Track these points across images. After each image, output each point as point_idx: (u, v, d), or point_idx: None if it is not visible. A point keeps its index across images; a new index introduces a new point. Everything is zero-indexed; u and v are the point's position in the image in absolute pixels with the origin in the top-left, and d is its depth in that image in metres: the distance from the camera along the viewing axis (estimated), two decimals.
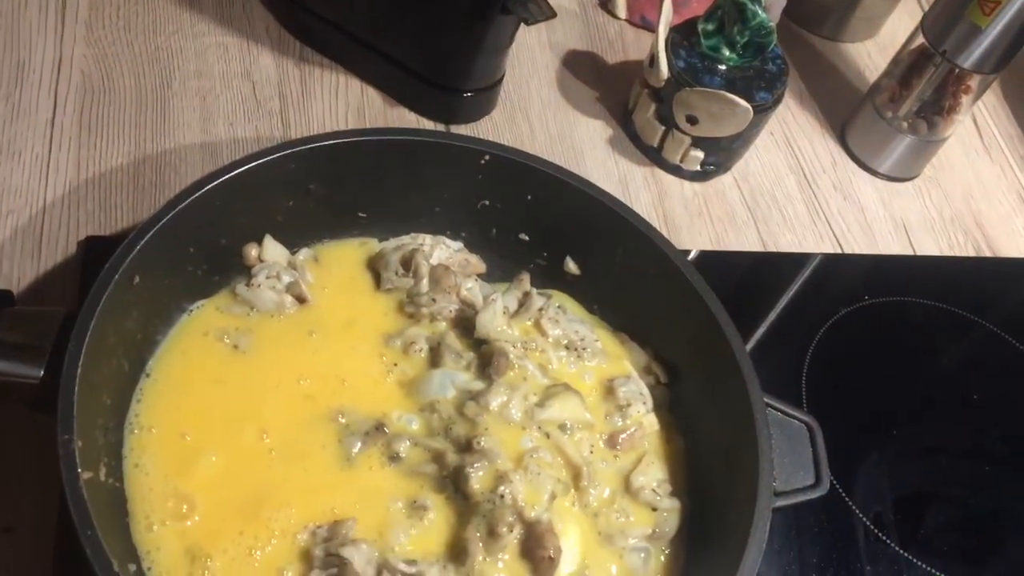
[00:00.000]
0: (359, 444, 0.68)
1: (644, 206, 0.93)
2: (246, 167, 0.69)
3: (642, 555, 0.68)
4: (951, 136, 1.01)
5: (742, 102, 0.88)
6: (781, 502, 0.65)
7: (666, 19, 0.91)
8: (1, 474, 0.64)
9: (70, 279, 0.73)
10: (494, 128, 0.95)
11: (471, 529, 0.64)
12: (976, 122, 1.12)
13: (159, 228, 0.65)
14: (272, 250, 0.75)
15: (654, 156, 0.97)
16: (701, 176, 0.97)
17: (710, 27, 0.91)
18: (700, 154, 0.94)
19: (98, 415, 0.61)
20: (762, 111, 0.91)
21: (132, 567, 0.58)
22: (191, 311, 0.71)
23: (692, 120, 0.91)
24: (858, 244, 0.97)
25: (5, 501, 0.63)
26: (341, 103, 0.91)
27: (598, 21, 1.07)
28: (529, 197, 0.78)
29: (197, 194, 0.67)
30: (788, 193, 0.99)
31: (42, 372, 0.58)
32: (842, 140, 1.05)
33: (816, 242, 0.96)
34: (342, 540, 0.63)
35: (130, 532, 0.61)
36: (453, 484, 0.67)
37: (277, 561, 0.62)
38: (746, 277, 0.92)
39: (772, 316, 0.89)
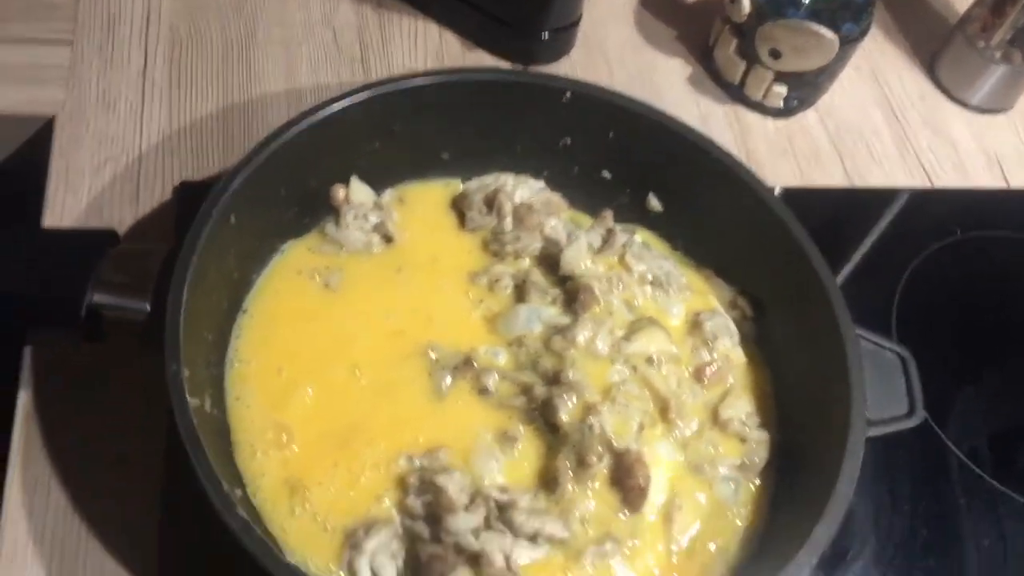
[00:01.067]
0: (449, 378, 0.69)
1: (726, 144, 0.90)
2: (331, 109, 0.70)
3: (732, 485, 0.68)
4: None
5: (828, 33, 0.86)
6: (874, 431, 0.64)
7: None
8: (113, 407, 0.67)
9: (167, 222, 0.75)
10: (572, 68, 0.94)
11: (561, 459, 0.65)
12: None
13: (251, 168, 0.66)
14: (359, 191, 0.76)
15: (736, 93, 0.95)
16: (784, 112, 0.95)
17: None
18: (783, 89, 0.93)
19: (201, 349, 0.63)
20: (848, 42, 0.88)
21: (238, 492, 0.61)
22: (283, 251, 0.73)
23: (775, 54, 0.90)
24: (949, 178, 0.94)
25: (117, 432, 0.66)
26: (420, 48, 0.92)
27: None
28: (611, 134, 0.78)
29: (285, 135, 0.68)
30: (875, 128, 0.97)
31: (148, 306, 0.61)
32: (931, 72, 1.02)
33: (905, 177, 0.94)
34: (436, 468, 0.64)
35: (234, 460, 0.63)
36: (542, 416, 0.67)
37: (374, 489, 0.64)
38: (833, 214, 0.91)
39: (861, 252, 0.87)
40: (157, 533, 0.63)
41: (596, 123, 0.77)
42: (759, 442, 0.69)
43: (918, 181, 0.94)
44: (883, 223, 0.90)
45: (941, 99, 1.00)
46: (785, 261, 0.73)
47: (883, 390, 0.67)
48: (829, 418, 0.66)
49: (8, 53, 0.82)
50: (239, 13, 0.90)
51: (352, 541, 0.61)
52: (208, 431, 0.59)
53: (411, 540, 0.62)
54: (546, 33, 0.91)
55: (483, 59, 0.92)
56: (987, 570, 0.72)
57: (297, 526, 0.62)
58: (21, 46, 0.82)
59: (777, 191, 0.90)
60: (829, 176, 0.93)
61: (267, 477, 0.63)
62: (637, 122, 0.77)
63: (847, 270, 0.86)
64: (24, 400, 0.66)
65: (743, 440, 0.69)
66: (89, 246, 0.63)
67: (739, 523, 0.67)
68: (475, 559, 0.61)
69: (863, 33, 0.90)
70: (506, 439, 0.67)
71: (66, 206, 0.75)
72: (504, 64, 0.92)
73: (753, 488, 0.68)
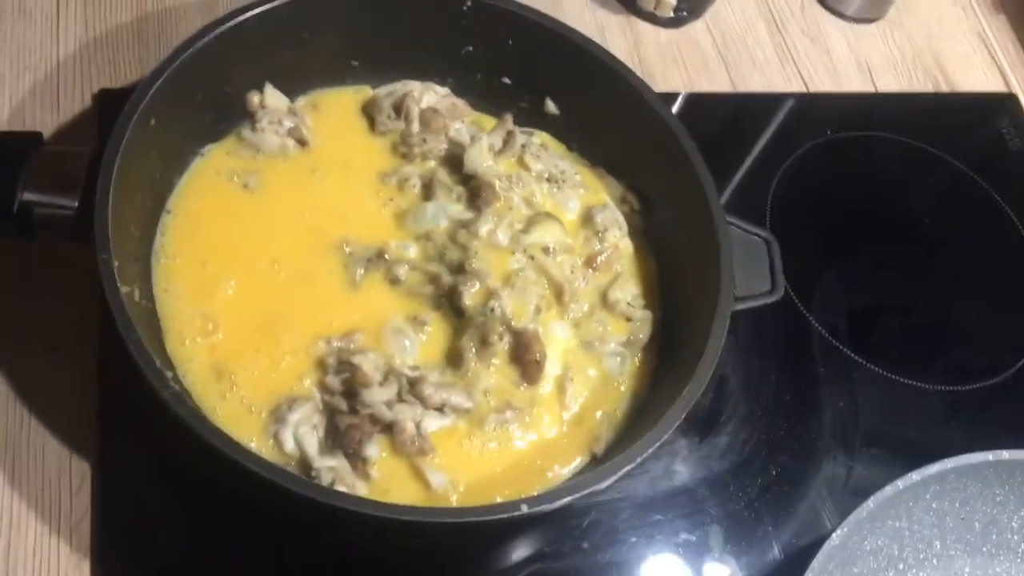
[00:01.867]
0: (362, 269, 0.75)
1: (620, 53, 0.97)
2: (240, 18, 0.75)
3: (618, 359, 0.76)
4: None
5: None
6: (740, 306, 0.73)
7: None
8: (45, 300, 0.71)
9: (88, 127, 0.79)
10: None
11: (465, 339, 0.73)
12: None
13: (168, 74, 0.70)
14: (273, 97, 0.80)
15: (630, 4, 1.01)
16: (675, 22, 1.02)
17: None
18: (673, 1, 0.99)
19: (128, 244, 0.68)
20: None
21: (169, 374, 0.66)
22: (203, 154, 0.77)
23: None
24: (824, 84, 1.03)
25: (50, 324, 0.71)
26: None
27: None
28: (510, 42, 0.83)
29: (198, 43, 0.73)
30: (758, 38, 1.04)
31: (77, 203, 0.65)
32: None
33: (784, 83, 1.02)
34: (352, 350, 0.71)
35: (164, 347, 0.69)
36: (448, 302, 0.74)
37: (295, 370, 0.70)
38: (716, 117, 0.98)
39: (741, 151, 0.95)
40: (95, 413, 0.69)
41: (497, 32, 0.83)
42: (643, 320, 0.77)
43: (795, 86, 1.02)
44: (762, 125, 0.98)
45: (819, 10, 1.08)
46: (668, 159, 0.80)
47: (750, 271, 0.76)
48: (704, 296, 0.74)
49: None
50: None
51: (276, 416, 0.68)
52: (138, 319, 0.64)
53: (330, 413, 0.69)
54: None
55: None
56: (841, 426, 0.82)
57: (225, 408, 0.67)
58: None
59: (680, 101, 0.97)
60: (715, 83, 1.00)
61: (195, 363, 0.69)
62: (535, 31, 0.82)
63: (728, 167, 0.94)
64: None
65: (629, 319, 0.77)
66: (17, 147, 0.66)
67: (624, 392, 0.75)
68: (389, 428, 0.68)
69: None
70: (416, 323, 0.74)
71: None
72: None
73: (637, 361, 0.76)
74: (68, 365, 0.70)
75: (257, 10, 0.75)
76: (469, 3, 0.81)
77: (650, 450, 0.66)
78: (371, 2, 0.80)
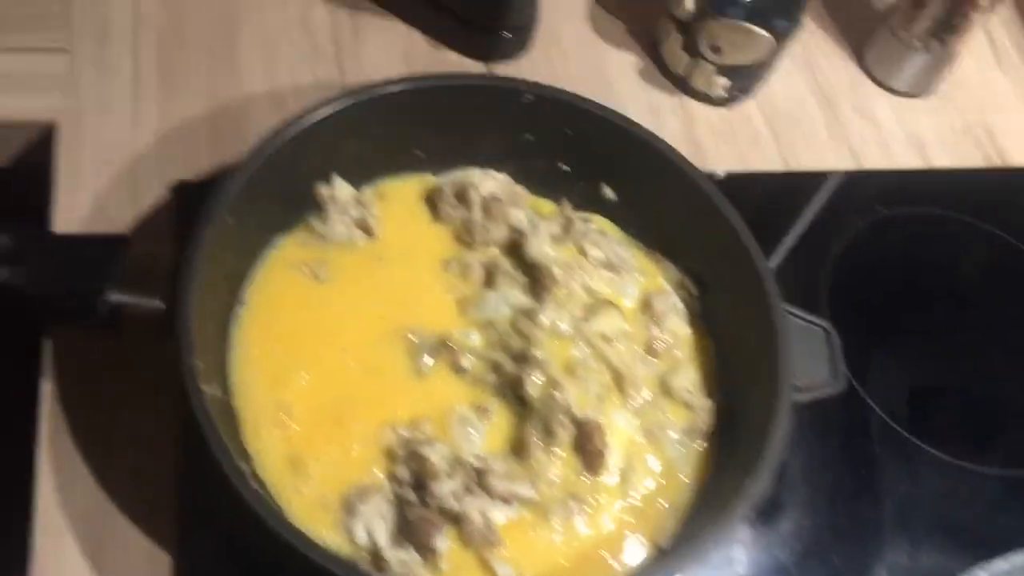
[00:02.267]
0: (428, 358, 0.77)
1: (673, 132, 1.00)
2: (316, 116, 0.77)
3: (680, 448, 0.77)
4: (964, 52, 1.06)
5: (764, 33, 0.94)
6: (801, 397, 0.74)
7: None
8: (128, 392, 0.74)
9: (167, 220, 0.82)
10: (531, 64, 1.01)
11: (529, 429, 0.74)
12: (991, 36, 1.17)
13: (246, 174, 0.73)
14: (341, 188, 0.83)
15: (682, 85, 1.04)
16: (726, 102, 1.04)
17: None
18: (725, 81, 1.01)
19: (207, 339, 0.70)
20: (783, 38, 0.97)
21: (246, 467, 0.69)
22: (275, 245, 0.80)
23: (716, 50, 0.98)
24: (875, 159, 1.04)
25: (133, 416, 0.73)
26: (390, 47, 0.98)
27: None
28: (568, 131, 0.85)
29: (275, 143, 0.75)
30: (809, 114, 1.06)
31: (160, 304, 0.68)
32: (860, 61, 1.11)
33: (835, 159, 1.03)
34: (420, 440, 0.73)
35: (240, 438, 0.71)
36: (512, 391, 0.76)
37: (365, 460, 0.72)
38: (769, 195, 1.00)
39: (794, 231, 0.97)
40: (176, 505, 0.71)
41: (554, 121, 0.85)
42: (704, 408, 0.79)
43: (846, 163, 1.03)
44: (814, 203, 0.99)
45: (869, 85, 1.09)
46: (723, 244, 0.81)
47: (810, 361, 0.77)
48: (763, 386, 0.75)
49: (7, 62, 0.87)
50: (221, 18, 0.95)
51: (347, 507, 0.70)
52: (218, 414, 0.67)
53: (400, 504, 0.70)
54: (507, 32, 0.99)
55: (448, 57, 0.99)
56: (903, 512, 0.82)
57: (300, 501, 0.69)
58: (19, 55, 0.88)
59: (719, 175, 0.98)
60: (767, 160, 1.01)
61: (271, 454, 0.71)
62: (590, 120, 0.84)
63: (782, 249, 0.95)
64: (47, 389, 0.74)
65: (689, 407, 0.79)
66: (105, 249, 0.70)
67: (687, 481, 0.76)
68: (457, 519, 0.70)
69: (796, 27, 0.98)
70: (480, 411, 0.76)
71: (72, 208, 0.82)
72: (468, 61, 0.99)
73: (699, 450, 0.77)
74: (150, 456, 0.73)
75: (331, 108, 0.78)
76: (529, 96, 0.84)
77: (715, 545, 0.67)
78: (438, 98, 0.83)
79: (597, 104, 0.85)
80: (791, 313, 0.78)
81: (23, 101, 0.86)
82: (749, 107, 1.05)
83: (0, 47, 0.88)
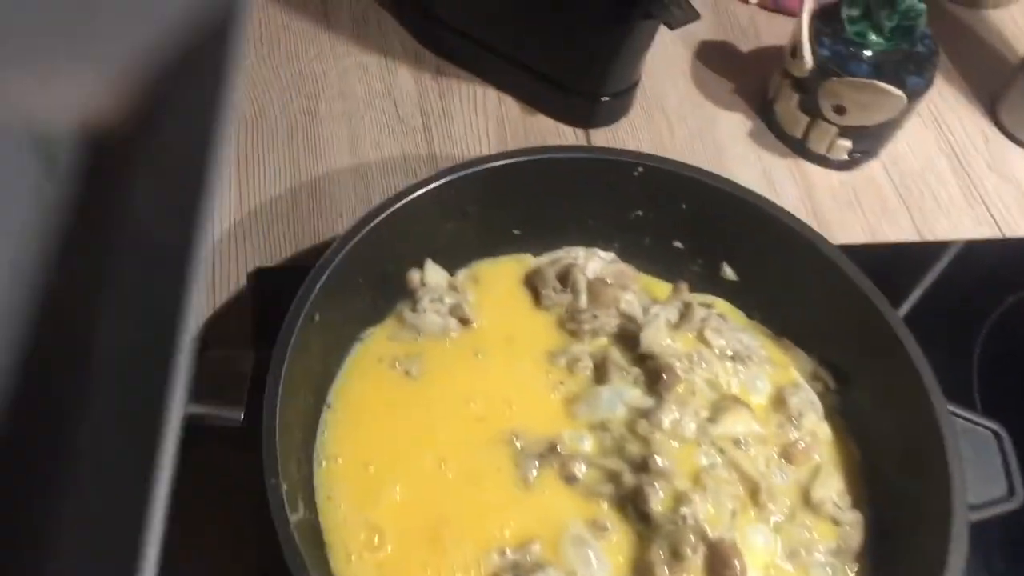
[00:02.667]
0: (535, 466, 0.68)
1: (791, 200, 0.91)
2: (408, 198, 0.70)
3: (829, 571, 0.67)
4: None
5: (896, 90, 0.85)
6: (974, 516, 0.63)
7: (809, 6, 0.88)
8: (203, 516, 0.66)
9: (244, 311, 0.75)
10: (632, 129, 0.94)
11: (654, 551, 0.65)
12: None
13: (335, 265, 0.66)
14: (433, 273, 0.76)
15: (798, 147, 0.95)
16: (848, 165, 0.94)
17: (855, 12, 0.88)
18: (848, 143, 0.92)
19: (292, 452, 0.63)
20: (915, 96, 0.87)
21: None
22: (363, 339, 0.72)
23: (840, 110, 0.89)
24: (1019, 226, 0.93)
25: (211, 536, 0.66)
26: (480, 115, 0.91)
27: (729, 8, 1.04)
28: (683, 205, 0.77)
29: (366, 229, 0.68)
30: (940, 176, 0.96)
31: (242, 416, 0.61)
32: (993, 115, 1.01)
33: (974, 226, 0.93)
34: (529, 566, 0.64)
35: (329, 564, 0.63)
36: (632, 504, 0.67)
37: None
38: (901, 268, 0.89)
39: (933, 310, 0.86)
40: None
41: (667, 195, 0.77)
42: (853, 523, 0.68)
43: (987, 230, 0.93)
44: (956, 279, 0.89)
45: (1005, 142, 0.99)
46: (864, 329, 0.72)
47: (979, 470, 0.66)
48: (925, 499, 0.65)
49: None
50: (300, 89, 0.90)
51: None
52: (303, 538, 0.59)
53: None
54: (607, 97, 0.91)
55: (543, 123, 0.92)
56: None
57: None
58: None
59: (861, 252, 0.88)
60: (897, 228, 0.92)
61: None
62: (708, 193, 0.76)
63: (921, 329, 0.84)
64: None
65: (836, 522, 0.68)
66: None
67: None
68: None
69: (928, 85, 0.89)
70: (596, 528, 0.67)
71: None
72: (565, 128, 0.92)
73: (851, 574, 0.67)
74: None
75: (423, 189, 0.70)
76: (640, 169, 0.75)
77: None
78: (538, 171, 0.75)
79: (713, 175, 0.76)
80: (953, 413, 0.67)
81: None
82: (874, 170, 0.95)
83: None
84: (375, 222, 0.68)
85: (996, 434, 0.67)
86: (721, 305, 0.78)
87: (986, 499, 0.65)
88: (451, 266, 0.77)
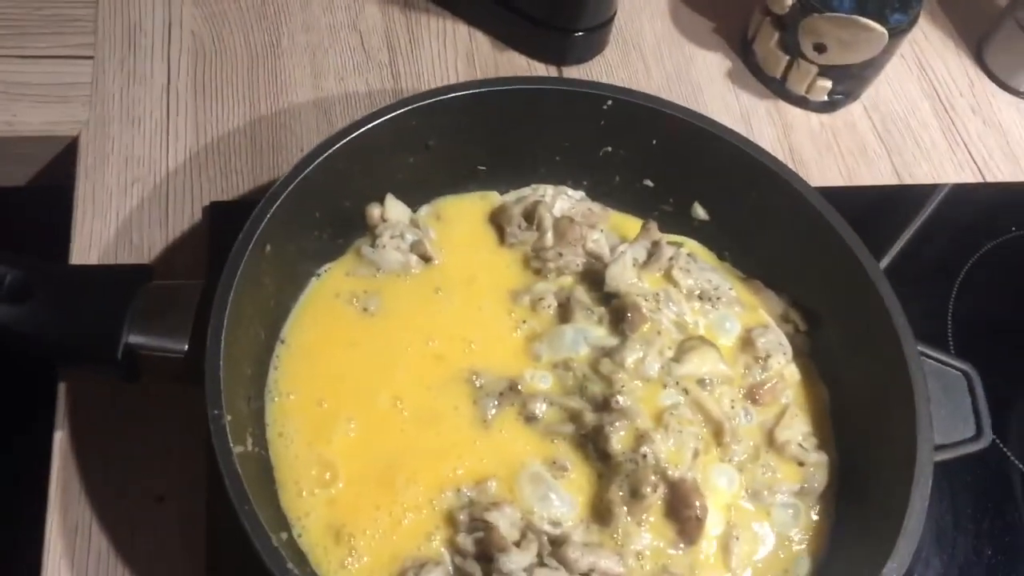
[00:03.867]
0: (494, 405, 0.67)
1: (769, 141, 0.89)
2: (367, 127, 0.68)
3: (790, 512, 0.66)
4: None
5: (877, 26, 0.82)
6: (940, 456, 0.62)
7: None
8: (151, 446, 0.65)
9: (198, 246, 0.73)
10: (607, 67, 0.91)
11: (614, 490, 0.63)
12: None
13: (286, 196, 0.64)
14: (394, 209, 0.73)
15: (777, 88, 0.92)
16: (828, 106, 0.92)
17: None
18: (828, 83, 0.89)
19: (240, 385, 0.61)
20: (897, 34, 0.85)
21: (284, 535, 0.59)
22: (320, 275, 0.70)
23: (820, 48, 0.86)
24: (1001, 171, 0.91)
25: (156, 472, 0.64)
26: (450, 50, 0.88)
27: None
28: (654, 141, 0.75)
29: (320, 159, 0.66)
30: (923, 120, 0.93)
31: (186, 346, 0.59)
32: (979, 58, 0.98)
33: (955, 171, 0.90)
34: (485, 503, 0.62)
35: (279, 499, 0.61)
36: (592, 444, 0.65)
37: (423, 527, 0.62)
38: (881, 213, 0.87)
39: (911, 254, 0.84)
40: (204, 570, 0.61)
41: (638, 131, 0.74)
42: (818, 465, 0.67)
43: (969, 175, 0.91)
44: (934, 222, 0.86)
45: (990, 86, 0.97)
46: (838, 272, 0.70)
47: (948, 410, 0.65)
48: (891, 440, 0.63)
49: (27, 70, 0.79)
50: (262, 20, 0.86)
51: None
52: (251, 473, 0.57)
53: None
54: (580, 32, 0.88)
55: (515, 60, 0.89)
56: None
57: None
58: (40, 63, 0.79)
59: (837, 195, 0.86)
60: (877, 172, 0.89)
61: (312, 518, 0.61)
62: (681, 129, 0.73)
63: (898, 276, 0.82)
64: (59, 439, 0.65)
65: (801, 463, 0.67)
66: (124, 284, 0.60)
67: (799, 551, 0.64)
68: None
69: (912, 23, 0.86)
70: (556, 468, 0.65)
71: (94, 232, 0.73)
72: (537, 65, 0.89)
73: (814, 515, 0.66)
74: (174, 517, 0.63)
75: (384, 118, 0.68)
76: (610, 102, 0.73)
77: None
78: (503, 103, 0.72)
79: (685, 109, 0.74)
80: (923, 353, 0.65)
81: (42, 114, 0.77)
82: (854, 113, 0.92)
83: (18, 53, 0.80)
84: (330, 151, 0.66)
85: (966, 375, 0.66)
86: (691, 245, 0.76)
87: (954, 439, 0.63)
88: (413, 202, 0.74)
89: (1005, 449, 0.74)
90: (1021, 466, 0.73)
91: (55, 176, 0.78)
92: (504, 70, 0.87)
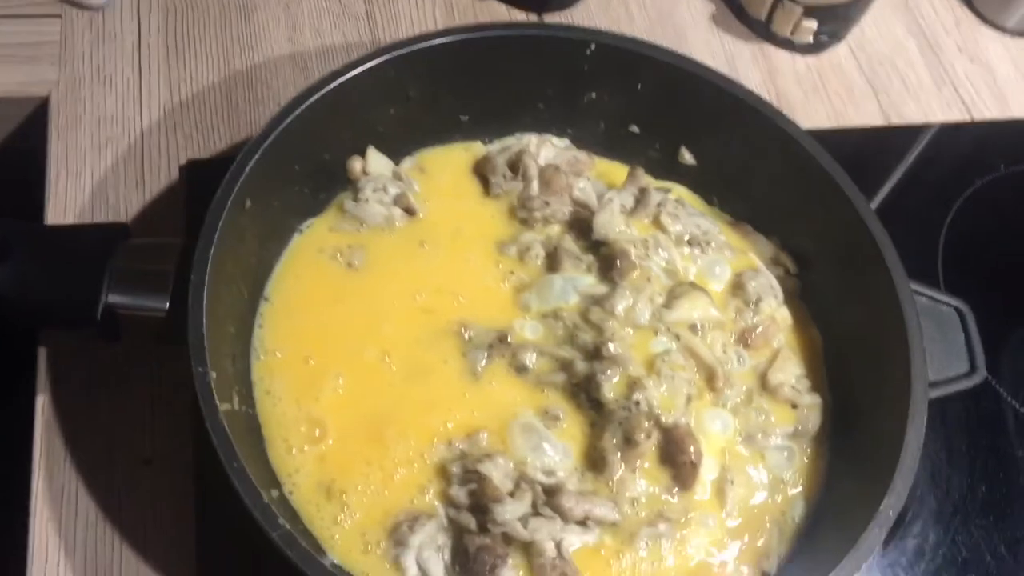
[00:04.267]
0: (484, 357, 0.66)
1: (755, 85, 0.87)
2: (344, 77, 0.66)
3: (785, 454, 0.65)
4: None
5: None
6: (935, 393, 0.61)
7: None
8: (136, 409, 0.64)
9: (176, 205, 0.72)
10: (588, 14, 0.89)
11: (607, 438, 0.63)
12: None
13: (264, 149, 0.62)
14: (376, 162, 0.72)
15: (762, 30, 0.90)
16: (814, 48, 0.90)
17: None
18: (813, 24, 0.88)
19: (225, 344, 0.60)
20: None
21: (274, 492, 0.58)
22: (302, 231, 0.69)
23: None
24: (989, 109, 0.90)
25: (141, 434, 0.63)
26: (427, 0, 0.86)
27: None
28: (639, 86, 0.73)
29: (298, 111, 0.64)
30: (909, 59, 0.92)
31: (167, 304, 0.57)
32: None
33: (943, 110, 0.89)
34: (478, 454, 0.62)
35: (268, 457, 0.61)
36: (584, 392, 0.65)
37: (415, 481, 0.61)
38: (869, 154, 0.86)
39: (900, 193, 0.83)
40: (194, 537, 0.61)
41: (622, 76, 0.73)
42: (811, 406, 0.66)
43: (956, 113, 0.90)
44: (922, 161, 0.86)
45: (977, 24, 0.95)
46: (828, 213, 0.69)
47: (942, 347, 0.65)
48: (885, 380, 0.63)
49: None
50: None
51: (396, 536, 0.59)
52: (239, 431, 0.56)
53: (457, 532, 0.60)
54: None
55: (495, 8, 0.87)
56: None
57: (339, 533, 0.59)
58: (6, 22, 0.77)
59: (825, 137, 0.85)
60: (864, 113, 0.88)
61: (302, 474, 0.60)
62: (666, 72, 0.72)
63: (888, 217, 0.81)
64: (42, 404, 0.64)
65: (795, 406, 0.66)
66: (101, 243, 0.59)
67: (794, 494, 0.64)
68: (525, 548, 0.59)
69: None
70: (548, 418, 0.64)
71: (69, 193, 0.71)
72: (517, 13, 0.87)
73: (808, 456, 0.65)
74: (162, 479, 0.62)
75: (360, 68, 0.66)
76: (592, 47, 0.71)
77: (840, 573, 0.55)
78: (486, 53, 0.70)
79: (670, 52, 0.72)
80: (916, 291, 0.65)
81: (10, 74, 0.75)
82: (840, 54, 0.91)
83: None
84: (307, 103, 0.64)
85: (959, 312, 0.65)
86: (679, 190, 0.75)
87: (947, 375, 0.62)
88: (395, 154, 0.73)
89: (997, 386, 0.74)
90: (1014, 402, 0.73)
91: (28, 138, 0.76)
92: (483, 18, 0.86)
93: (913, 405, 0.59)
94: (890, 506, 0.56)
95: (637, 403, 0.63)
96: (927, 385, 0.60)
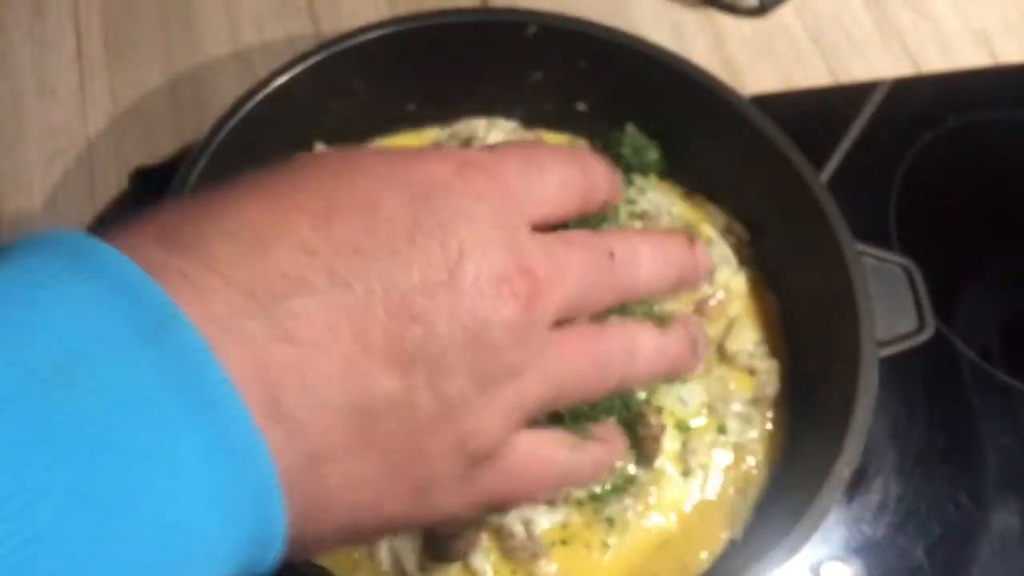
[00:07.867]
0: None
1: (702, 53, 0.87)
2: (282, 79, 0.66)
3: (747, 422, 0.66)
4: None
5: None
6: (885, 351, 0.63)
7: None
8: None
9: (127, 213, 0.71)
10: None
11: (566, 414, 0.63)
12: None
13: (210, 153, 0.62)
14: None
15: None
16: (759, 11, 0.90)
17: None
18: None
19: None
20: None
21: None
22: None
23: None
24: (936, 62, 0.90)
25: None
26: None
27: None
28: (582, 64, 0.73)
29: (241, 113, 0.64)
30: (854, 16, 0.92)
31: None
32: None
33: (892, 65, 0.90)
34: None
35: None
36: None
37: None
38: (817, 114, 0.87)
39: (849, 151, 0.84)
40: None
41: (565, 55, 0.73)
42: (769, 372, 0.68)
43: (904, 68, 0.90)
44: (872, 120, 0.86)
45: None
46: (774, 178, 0.70)
47: (890, 305, 0.65)
48: (837, 341, 0.64)
49: None
50: None
51: None
52: None
53: None
54: None
55: None
56: (1008, 468, 0.71)
57: None
58: None
59: (760, 98, 0.86)
60: (812, 74, 0.89)
61: None
62: (607, 49, 0.72)
63: (837, 171, 0.82)
64: None
65: (752, 372, 0.68)
66: None
67: (757, 460, 0.65)
68: (496, 530, 0.60)
69: None
70: None
71: (20, 209, 0.71)
72: None
73: (768, 423, 0.67)
74: None
75: (299, 67, 0.66)
76: (533, 28, 0.71)
77: (800, 534, 0.56)
78: (425, 40, 0.71)
79: (611, 29, 0.72)
80: (863, 252, 0.66)
81: None
82: (785, 16, 0.91)
83: None
84: (248, 107, 0.64)
85: (906, 269, 0.66)
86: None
87: (896, 333, 0.64)
88: (345, 147, 0.73)
89: (951, 335, 0.75)
90: (968, 352, 0.74)
91: None
92: (427, 5, 0.85)
93: (863, 364, 0.60)
94: (844, 464, 0.57)
95: None
96: (875, 344, 0.61)
